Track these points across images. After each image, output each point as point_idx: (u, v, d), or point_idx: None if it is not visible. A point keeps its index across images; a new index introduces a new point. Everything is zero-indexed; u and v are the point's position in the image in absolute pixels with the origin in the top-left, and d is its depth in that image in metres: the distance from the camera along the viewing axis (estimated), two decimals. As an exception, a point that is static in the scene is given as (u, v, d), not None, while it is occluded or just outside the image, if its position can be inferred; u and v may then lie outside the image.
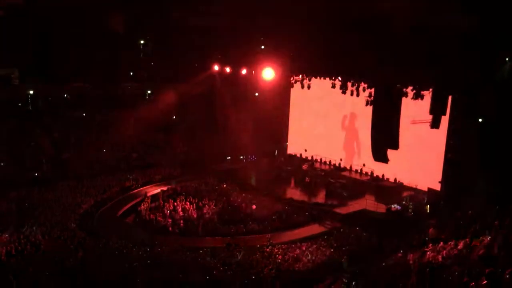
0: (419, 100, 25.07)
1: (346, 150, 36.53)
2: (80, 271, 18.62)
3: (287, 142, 41.82)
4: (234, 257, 21.14)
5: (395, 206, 27.67)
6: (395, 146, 25.59)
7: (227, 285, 18.01)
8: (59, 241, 21.81)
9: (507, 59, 23.00)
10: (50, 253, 20.18)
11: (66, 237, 22.36)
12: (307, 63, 30.37)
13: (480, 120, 26.26)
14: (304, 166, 35.53)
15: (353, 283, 16.11)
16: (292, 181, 34.72)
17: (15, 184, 30.55)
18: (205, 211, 27.88)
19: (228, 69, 35.87)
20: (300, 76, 32.68)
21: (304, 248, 22.65)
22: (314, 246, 23.06)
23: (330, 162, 37.43)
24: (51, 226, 23.91)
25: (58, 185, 31.09)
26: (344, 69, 28.07)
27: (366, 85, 27.75)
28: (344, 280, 16.66)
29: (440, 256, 17.46)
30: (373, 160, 25.73)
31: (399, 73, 24.20)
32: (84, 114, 39.26)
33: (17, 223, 24.03)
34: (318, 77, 32.10)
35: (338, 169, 36.36)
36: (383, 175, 33.49)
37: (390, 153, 26.25)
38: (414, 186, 31.13)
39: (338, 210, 28.28)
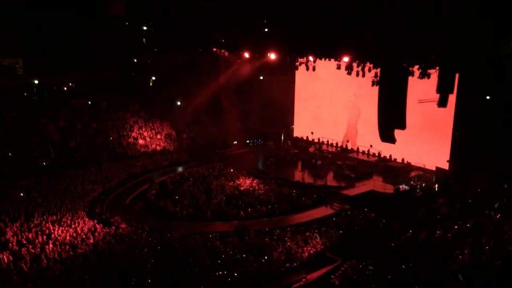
0: (426, 79, 24.84)
1: (352, 131, 36.33)
2: (91, 258, 18.85)
3: (293, 125, 41.71)
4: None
5: (403, 186, 27.60)
6: (402, 126, 25.39)
7: (237, 269, 18.14)
8: (69, 229, 21.95)
9: (514, 34, 22.66)
10: (62, 241, 20.35)
11: (76, 225, 22.51)
12: (311, 44, 30.06)
13: (487, 97, 26.02)
14: (311, 149, 35.46)
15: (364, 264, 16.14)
16: (299, 164, 34.68)
17: (23, 173, 30.77)
18: (212, 196, 27.94)
19: (232, 53, 35.60)
20: (305, 58, 32.42)
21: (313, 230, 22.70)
22: (323, 228, 23.08)
23: (337, 144, 37.35)
24: (61, 214, 24.07)
25: (66, 173, 31.23)
26: (349, 49, 27.76)
27: (371, 65, 27.50)
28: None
29: (449, 235, 17.45)
30: (380, 140, 25.59)
31: (404, 51, 23.92)
32: (89, 102, 39.25)
33: (27, 212, 24.23)
34: (323, 59, 31.83)
35: (345, 150, 36.28)
36: (390, 156, 33.40)
37: (397, 133, 26.09)
38: (422, 166, 31.02)
39: (346, 192, 28.25)
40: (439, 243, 16.97)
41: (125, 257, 18.99)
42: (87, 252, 19.53)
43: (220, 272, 17.81)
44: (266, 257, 19.24)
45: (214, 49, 36.85)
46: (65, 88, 40.07)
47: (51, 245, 19.78)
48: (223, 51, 36.45)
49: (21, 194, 27.07)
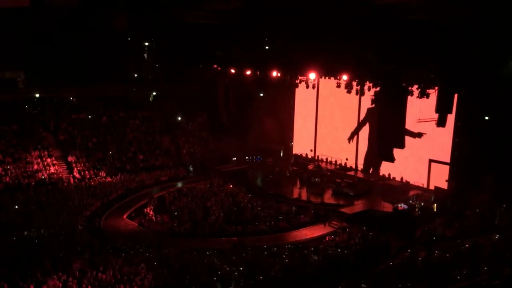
0: (425, 98, 24.99)
1: (352, 149, 36.37)
2: (89, 273, 18.70)
3: (292, 142, 41.78)
4: None
5: (402, 205, 27.54)
6: (401, 145, 25.52)
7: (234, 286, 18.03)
8: (66, 243, 21.84)
9: (513, 56, 22.87)
10: (58, 255, 20.23)
11: (73, 239, 22.41)
12: (312, 63, 30.28)
13: (486, 118, 26.14)
14: (310, 166, 35.46)
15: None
16: (298, 181, 34.63)
17: (21, 186, 30.75)
18: (210, 212, 27.88)
19: (232, 70, 35.82)
20: (305, 76, 32.62)
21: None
22: (321, 246, 22.99)
23: (336, 161, 37.35)
24: (58, 228, 23.99)
25: (65, 187, 31.18)
26: (349, 68, 27.96)
27: (371, 84, 27.68)
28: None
29: (448, 255, 17.40)
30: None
31: (404, 71, 24.11)
32: (90, 116, 39.36)
33: (24, 225, 24.17)
34: (323, 77, 32.03)
35: (344, 168, 36.28)
36: (389, 174, 33.38)
37: (396, 152, 26.17)
38: (421, 185, 30.99)
39: (344, 210, 28.19)
40: (437, 263, 16.91)
41: (121, 273, 18.86)
42: (84, 267, 19.38)
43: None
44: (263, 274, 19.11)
45: (215, 66, 37.07)
46: (66, 102, 40.13)
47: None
48: (224, 67, 36.66)
49: (16, 207, 27.07)
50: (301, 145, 40.77)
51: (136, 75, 43.86)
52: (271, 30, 31.22)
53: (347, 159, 36.17)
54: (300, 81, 33.37)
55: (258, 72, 34.44)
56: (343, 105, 36.07)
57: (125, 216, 28.44)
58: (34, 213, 26.31)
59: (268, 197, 30.98)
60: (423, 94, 24.72)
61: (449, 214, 25.25)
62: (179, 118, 42.88)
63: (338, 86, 29.78)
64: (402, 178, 32.63)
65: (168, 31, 37.65)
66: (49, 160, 34.22)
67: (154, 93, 44.24)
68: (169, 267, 19.68)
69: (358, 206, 29.07)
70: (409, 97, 24.94)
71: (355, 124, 35.81)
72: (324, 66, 29.25)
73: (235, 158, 39.71)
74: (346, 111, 36.23)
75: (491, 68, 22.30)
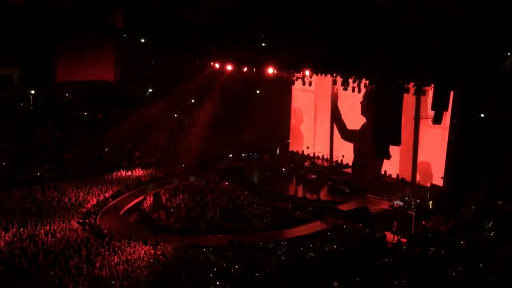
0: (421, 96, 25.06)
1: (347, 146, 36.38)
2: (85, 270, 18.72)
3: (288, 139, 41.75)
4: None
5: (398, 203, 27.61)
6: (397, 143, 25.59)
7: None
8: (62, 240, 21.81)
9: (508, 53, 22.93)
10: (54, 252, 20.22)
11: (69, 236, 22.38)
12: (308, 60, 30.30)
13: (482, 115, 26.19)
14: (306, 163, 35.45)
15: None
16: (294, 178, 34.64)
17: (17, 183, 30.64)
18: (207, 209, 27.87)
19: (229, 67, 35.77)
20: (301, 72, 32.60)
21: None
22: (317, 243, 23.03)
23: (332, 158, 37.37)
24: (54, 225, 23.94)
25: (61, 184, 31.08)
26: (345, 65, 27.98)
27: (367, 82, 27.70)
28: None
29: (443, 252, 17.46)
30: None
31: (400, 68, 24.16)
32: (85, 113, 39.23)
33: (20, 222, 24.10)
34: (320, 74, 32.04)
35: (340, 165, 36.29)
36: (385, 171, 33.41)
37: (392, 149, 26.23)
38: (417, 182, 31.03)
39: (340, 207, 28.25)
40: (432, 260, 16.97)
41: (117, 270, 18.88)
42: (80, 264, 19.39)
43: (213, 286, 17.72)
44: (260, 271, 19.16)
45: (212, 62, 37.00)
46: (62, 99, 39.99)
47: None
48: (220, 64, 36.61)
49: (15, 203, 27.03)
50: (297, 142, 40.75)
51: (132, 72, 43.75)
52: (268, 26, 31.27)
53: (343, 156, 36.19)
54: (297, 78, 33.42)
55: (254, 69, 34.42)
56: (341, 102, 36.03)
57: (121, 213, 28.42)
58: (29, 210, 26.21)
59: (264, 194, 30.99)
60: (419, 92, 24.78)
61: (444, 211, 25.34)
62: (176, 115, 42.80)
63: (334, 83, 29.85)
64: (398, 175, 32.67)
65: (165, 27, 37.62)
66: (44, 156, 34.11)
67: (150, 90, 44.14)
68: (165, 264, 19.71)
69: (354, 203, 29.12)
70: (405, 94, 25.00)
71: (354, 122, 35.77)
72: (320, 63, 29.32)
73: (231, 155, 39.69)
74: (342, 108, 36.20)
75: (487, 66, 22.37)
